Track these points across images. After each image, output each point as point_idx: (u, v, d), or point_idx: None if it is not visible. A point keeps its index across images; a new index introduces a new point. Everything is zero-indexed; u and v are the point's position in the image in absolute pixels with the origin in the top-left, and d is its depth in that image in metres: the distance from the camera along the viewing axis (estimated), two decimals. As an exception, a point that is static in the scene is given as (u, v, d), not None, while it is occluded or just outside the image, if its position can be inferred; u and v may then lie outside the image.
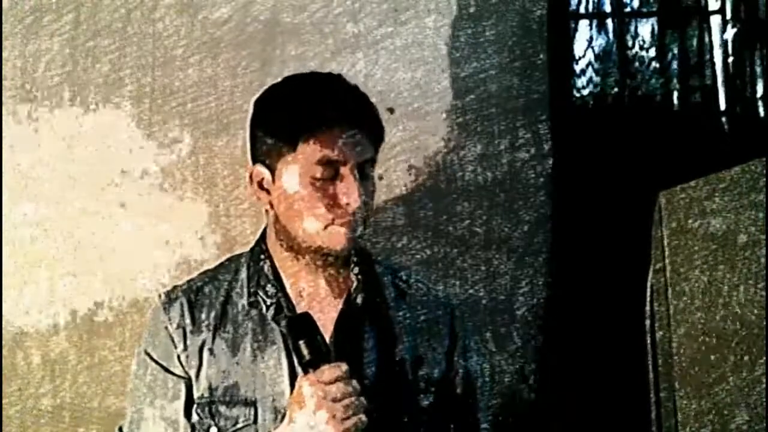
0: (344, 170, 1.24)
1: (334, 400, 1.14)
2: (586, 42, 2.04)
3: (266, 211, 1.32)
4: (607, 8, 2.07)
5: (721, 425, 1.31)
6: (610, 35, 2.06)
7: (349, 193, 1.23)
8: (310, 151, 1.23)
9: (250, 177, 1.30)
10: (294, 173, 1.24)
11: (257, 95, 1.33)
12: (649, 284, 1.46)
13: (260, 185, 1.29)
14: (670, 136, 1.96)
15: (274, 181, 1.27)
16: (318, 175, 1.23)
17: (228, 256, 1.42)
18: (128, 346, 1.67)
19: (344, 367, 1.17)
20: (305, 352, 1.17)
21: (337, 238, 1.25)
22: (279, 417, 1.25)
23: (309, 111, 1.24)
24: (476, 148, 1.75)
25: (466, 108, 1.75)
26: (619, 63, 2.05)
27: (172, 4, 1.73)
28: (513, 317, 1.76)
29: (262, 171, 1.28)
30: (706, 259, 1.35)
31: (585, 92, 2.04)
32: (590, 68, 2.04)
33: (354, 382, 1.17)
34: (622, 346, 1.69)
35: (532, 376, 1.76)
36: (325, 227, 1.24)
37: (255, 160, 1.30)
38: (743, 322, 1.31)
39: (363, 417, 1.15)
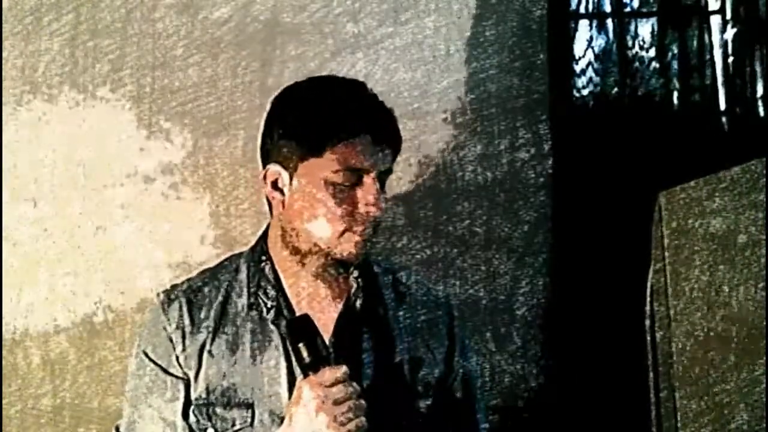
0: (367, 178, 1.23)
1: (335, 403, 1.14)
2: (586, 42, 2.04)
3: (270, 210, 1.32)
4: (607, 8, 2.07)
5: (721, 425, 1.31)
6: (610, 35, 2.06)
7: (371, 201, 1.23)
8: (335, 158, 1.22)
9: (264, 176, 1.29)
10: (315, 178, 1.23)
11: (273, 94, 1.32)
12: (649, 284, 1.46)
13: (274, 185, 1.29)
14: (670, 136, 1.96)
15: (290, 182, 1.26)
16: (340, 182, 1.23)
17: (227, 255, 1.41)
18: (128, 346, 1.67)
19: (344, 369, 1.16)
20: (305, 354, 1.17)
21: (351, 245, 1.25)
22: (276, 419, 1.25)
23: (340, 119, 1.23)
24: (476, 148, 1.76)
25: (466, 108, 1.75)
26: (619, 63, 2.05)
27: (172, 4, 1.73)
28: (513, 317, 1.76)
29: (277, 171, 1.27)
30: (706, 259, 1.35)
31: (585, 92, 2.04)
32: (590, 68, 2.04)
33: (354, 385, 1.17)
34: (622, 346, 1.69)
35: (531, 377, 1.76)
36: (341, 234, 1.24)
37: (268, 159, 1.29)
38: (743, 322, 1.31)
39: (363, 420, 1.15)
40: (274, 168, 1.28)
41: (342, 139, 1.22)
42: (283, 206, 1.28)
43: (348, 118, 1.23)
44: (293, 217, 1.27)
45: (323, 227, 1.24)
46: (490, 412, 1.47)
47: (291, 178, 1.26)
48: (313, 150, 1.23)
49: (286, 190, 1.27)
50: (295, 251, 1.29)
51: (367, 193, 1.23)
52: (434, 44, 1.75)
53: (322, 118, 1.23)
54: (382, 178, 1.27)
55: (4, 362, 1.69)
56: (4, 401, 1.69)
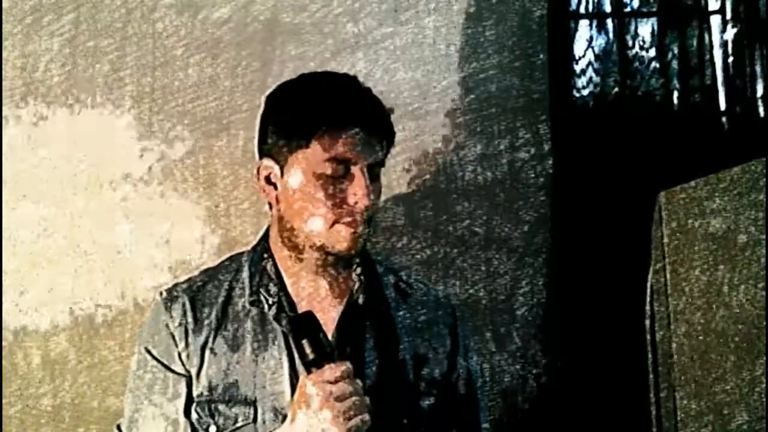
0: (355, 170, 1.24)
1: (338, 400, 1.14)
2: (586, 42, 2.04)
3: (270, 207, 1.33)
4: (607, 8, 2.07)
5: (721, 425, 1.31)
6: (610, 35, 2.06)
7: (358, 193, 1.23)
8: (323, 148, 1.23)
9: (258, 171, 1.30)
10: (304, 169, 1.24)
11: (270, 90, 1.33)
12: (649, 284, 1.46)
13: (267, 180, 1.29)
14: (670, 136, 1.96)
15: (282, 176, 1.27)
16: (329, 173, 1.23)
17: (228, 255, 1.42)
18: (128, 346, 1.67)
19: (347, 366, 1.17)
20: (308, 351, 1.17)
21: (341, 237, 1.25)
22: (279, 416, 1.25)
23: (326, 108, 1.24)
24: (476, 148, 1.75)
25: (466, 108, 1.75)
26: (619, 63, 2.05)
27: (172, 4, 1.73)
28: (513, 317, 1.76)
29: (270, 165, 1.28)
30: (706, 259, 1.35)
31: (585, 92, 2.04)
32: (590, 68, 2.04)
33: (357, 381, 1.17)
34: (622, 346, 1.69)
35: (531, 377, 1.76)
36: (330, 226, 1.25)
37: (263, 154, 1.30)
38: (743, 322, 1.31)
39: (366, 416, 1.15)
40: (266, 162, 1.29)
41: (328, 129, 1.23)
42: (277, 201, 1.28)
43: (334, 108, 1.24)
44: (287, 212, 1.28)
45: (314, 220, 1.25)
46: (489, 412, 1.47)
47: (282, 172, 1.27)
48: (300, 140, 1.24)
49: (278, 184, 1.28)
50: (293, 247, 1.30)
51: (355, 184, 1.23)
52: (434, 44, 1.75)
53: (308, 108, 1.24)
54: (374, 171, 1.27)
55: (4, 362, 1.69)
56: (4, 401, 1.69)
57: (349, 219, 1.24)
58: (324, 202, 1.24)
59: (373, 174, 1.26)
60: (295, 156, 1.25)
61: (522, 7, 1.76)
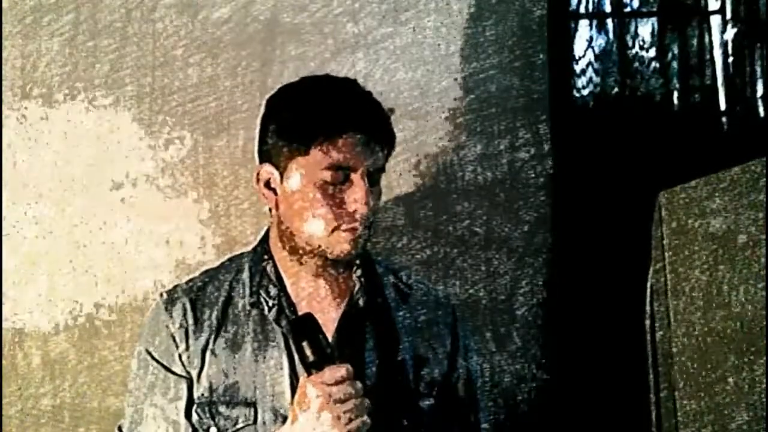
0: (355, 176, 1.24)
1: (338, 401, 1.14)
2: (586, 42, 2.04)
3: (270, 211, 1.32)
4: (607, 8, 2.07)
5: (721, 425, 1.31)
6: (610, 35, 2.06)
7: (358, 199, 1.23)
8: (322, 155, 1.23)
9: (257, 176, 1.30)
10: (304, 175, 1.24)
11: (270, 94, 1.33)
12: (649, 284, 1.46)
13: (267, 185, 1.29)
14: (670, 136, 1.96)
15: (282, 181, 1.27)
16: (328, 179, 1.23)
17: (229, 256, 1.42)
18: (128, 346, 1.67)
19: (348, 368, 1.17)
20: (308, 352, 1.17)
21: (341, 243, 1.25)
22: (279, 418, 1.25)
23: (326, 115, 1.23)
24: (476, 148, 1.76)
25: (466, 108, 1.75)
26: (619, 63, 2.05)
27: (172, 4, 1.73)
28: (513, 317, 1.76)
29: (270, 170, 1.28)
30: (706, 259, 1.35)
31: (585, 92, 2.03)
32: (590, 68, 2.04)
33: (357, 383, 1.17)
34: (622, 346, 1.69)
35: (531, 377, 1.76)
36: (330, 232, 1.24)
37: (263, 159, 1.30)
38: (743, 322, 1.31)
39: (366, 418, 1.16)
40: (266, 168, 1.29)
41: (327, 136, 1.22)
42: (277, 206, 1.28)
43: (333, 115, 1.23)
44: (287, 217, 1.28)
45: (314, 226, 1.25)
46: (489, 412, 1.47)
47: (282, 178, 1.26)
48: (300, 148, 1.24)
49: (278, 189, 1.27)
50: (293, 251, 1.30)
51: (354, 191, 1.23)
52: (434, 44, 1.75)
53: (308, 116, 1.24)
54: (375, 176, 1.27)
55: (4, 362, 1.69)
56: (4, 401, 1.69)
57: (349, 224, 1.24)
58: (324, 209, 1.24)
59: (373, 179, 1.26)
60: (295, 162, 1.25)
61: (522, 7, 1.76)
